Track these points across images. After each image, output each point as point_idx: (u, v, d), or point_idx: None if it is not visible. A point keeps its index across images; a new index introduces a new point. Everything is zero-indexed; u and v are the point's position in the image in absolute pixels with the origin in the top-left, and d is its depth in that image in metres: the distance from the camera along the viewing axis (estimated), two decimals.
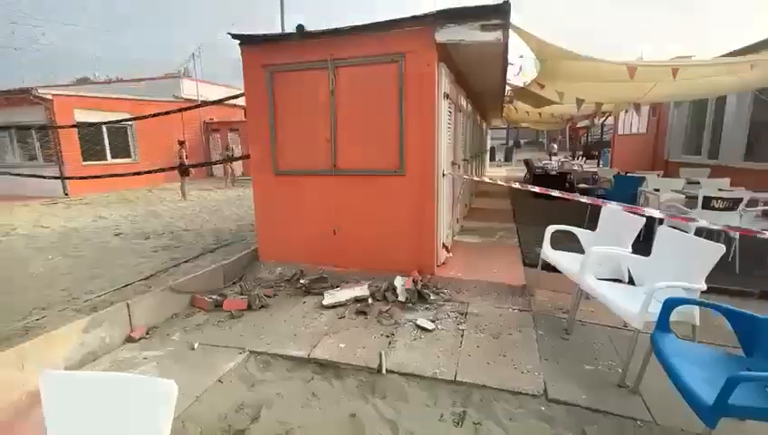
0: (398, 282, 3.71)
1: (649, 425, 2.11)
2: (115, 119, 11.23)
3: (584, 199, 3.81)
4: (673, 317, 2.17)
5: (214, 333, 3.19)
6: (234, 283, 4.19)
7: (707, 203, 4.29)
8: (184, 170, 10.17)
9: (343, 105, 3.88)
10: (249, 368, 2.73)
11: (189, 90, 15.96)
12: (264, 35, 3.89)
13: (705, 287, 2.30)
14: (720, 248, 2.31)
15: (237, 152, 14.38)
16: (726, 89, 6.73)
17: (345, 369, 2.67)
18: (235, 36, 3.94)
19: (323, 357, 2.75)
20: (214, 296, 3.68)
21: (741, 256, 4.10)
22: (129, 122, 13.02)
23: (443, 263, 4.23)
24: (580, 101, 6.06)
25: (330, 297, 3.56)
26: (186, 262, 4.74)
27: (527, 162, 13.78)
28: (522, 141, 29.17)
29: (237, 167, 15.02)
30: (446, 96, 4.02)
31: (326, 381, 2.58)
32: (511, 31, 3.45)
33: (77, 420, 1.25)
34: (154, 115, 6.04)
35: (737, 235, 4.01)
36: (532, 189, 4.17)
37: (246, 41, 3.98)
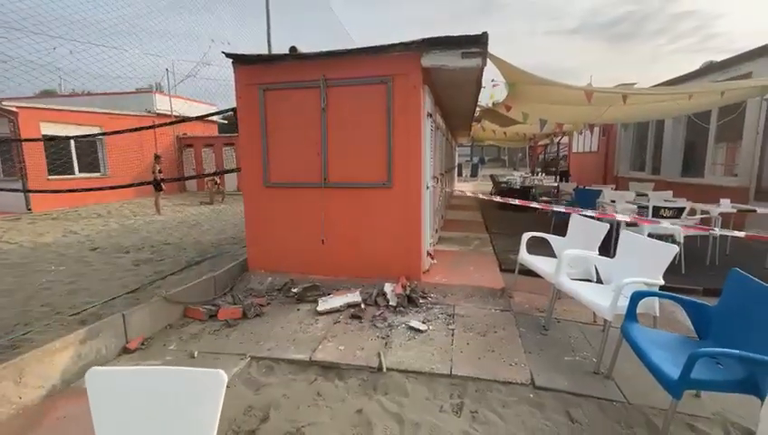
0: (388, 288, 3.91)
1: (624, 404, 2.41)
2: (85, 133, 10.89)
3: (561, 209, 4.20)
4: (637, 310, 2.50)
5: (212, 341, 3.23)
6: (224, 293, 4.21)
7: (656, 212, 4.83)
8: (158, 185, 10.00)
9: (334, 122, 4.10)
10: (252, 373, 2.81)
11: (162, 104, 15.63)
12: (258, 56, 4.07)
13: (663, 282, 2.67)
14: (674, 248, 2.70)
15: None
16: (666, 113, 7.57)
17: (347, 369, 2.81)
18: (229, 55, 4.08)
19: (325, 359, 2.88)
20: (208, 306, 3.71)
21: (686, 259, 4.65)
22: (99, 136, 12.63)
23: (428, 269, 4.47)
24: (543, 122, 6.61)
25: (324, 304, 3.69)
26: (171, 274, 4.71)
27: (493, 177, 14.50)
28: (486, 158, 30.47)
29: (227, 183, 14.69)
30: (429, 115, 4.34)
31: (329, 381, 2.71)
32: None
33: (126, 414, 1.33)
34: (132, 130, 5.99)
35: (682, 240, 4.55)
36: (510, 202, 4.52)
37: (240, 60, 4.14)
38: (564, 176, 11.92)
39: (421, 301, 3.78)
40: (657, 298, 2.68)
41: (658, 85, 9.41)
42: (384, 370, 2.75)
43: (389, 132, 3.98)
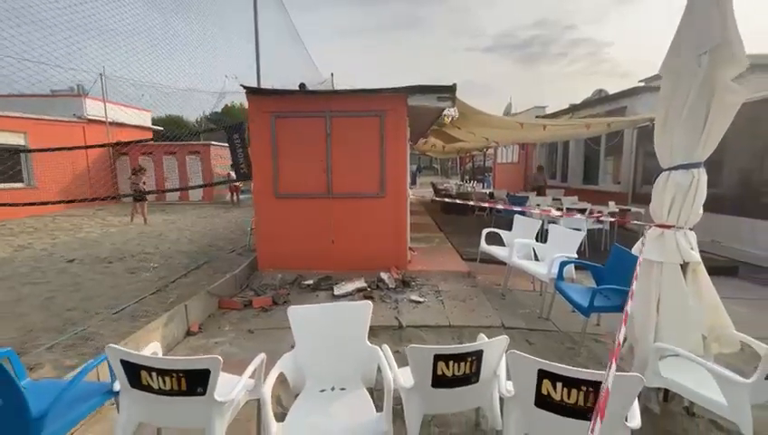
0: (384, 275, 5.00)
1: (558, 332, 3.82)
2: (9, 139, 10.17)
3: (520, 209, 5.66)
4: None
5: (259, 321, 4.04)
6: (242, 289, 4.95)
7: (568, 211, 6.61)
8: (139, 196, 10.07)
9: (337, 145, 5.11)
10: None
11: (94, 110, 14.74)
12: (273, 90, 4.93)
13: (576, 256, 4.15)
14: (581, 234, 4.22)
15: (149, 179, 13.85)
16: (572, 136, 9.78)
17: (375, 328, 3.83)
18: (246, 88, 4.87)
19: None
20: (240, 297, 4.46)
21: (588, 247, 6.47)
22: (22, 143, 11.75)
23: (410, 260, 5.65)
24: (486, 139, 8.27)
25: (338, 289, 4.67)
26: (179, 278, 5.22)
27: (434, 185, 16.23)
28: (422, 167, 32.92)
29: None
30: (409, 140, 5.55)
31: None
32: None
33: (316, 331, 2.28)
34: (117, 144, 6.27)
35: (586, 232, 6.35)
36: (479, 205, 5.89)
37: (255, 92, 4.95)
38: (540, 191, 11.17)
39: (412, 283, 4.94)
40: (573, 266, 4.16)
41: (564, 112, 11.85)
42: (403, 326, 3.85)
43: (382, 153, 5.10)
